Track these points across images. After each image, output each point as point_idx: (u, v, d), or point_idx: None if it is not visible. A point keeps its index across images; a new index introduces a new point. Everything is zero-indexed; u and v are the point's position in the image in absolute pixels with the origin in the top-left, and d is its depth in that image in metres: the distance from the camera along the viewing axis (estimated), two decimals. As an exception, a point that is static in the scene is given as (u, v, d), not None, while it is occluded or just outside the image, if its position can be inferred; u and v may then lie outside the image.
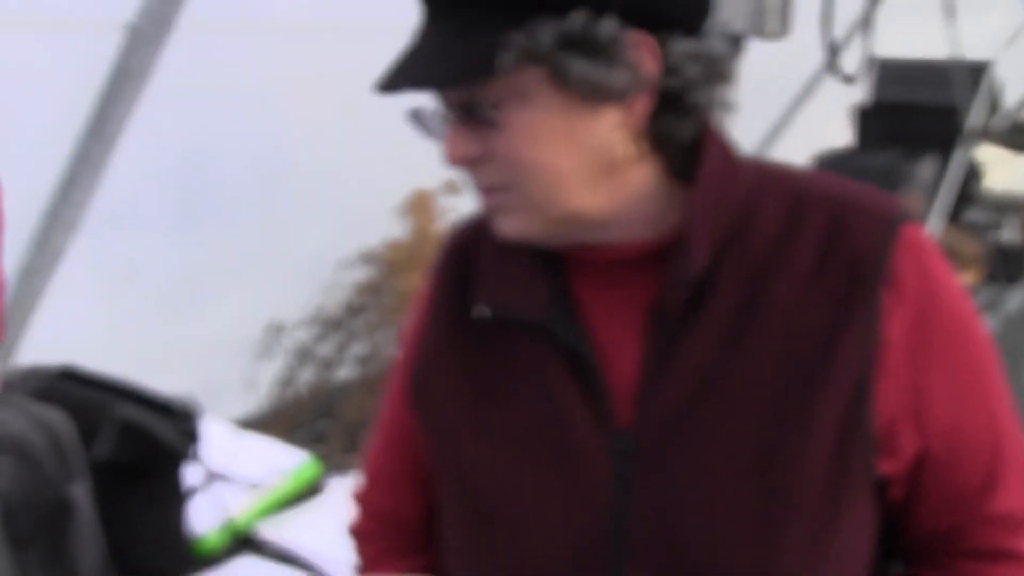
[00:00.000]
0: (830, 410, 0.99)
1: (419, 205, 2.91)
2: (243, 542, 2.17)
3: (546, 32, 0.94)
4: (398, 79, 0.98)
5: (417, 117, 1.06)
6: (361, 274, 2.91)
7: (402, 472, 1.25)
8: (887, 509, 1.07)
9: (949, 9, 4.50)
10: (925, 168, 4.71)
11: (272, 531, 2.19)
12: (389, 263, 2.89)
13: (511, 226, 1.04)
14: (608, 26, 0.94)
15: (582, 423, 1.05)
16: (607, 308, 1.08)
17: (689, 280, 1.01)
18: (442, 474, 1.16)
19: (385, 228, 2.94)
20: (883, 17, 5.30)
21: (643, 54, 0.97)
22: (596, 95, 0.96)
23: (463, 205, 2.90)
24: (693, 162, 1.04)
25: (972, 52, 5.03)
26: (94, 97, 2.38)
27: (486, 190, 1.04)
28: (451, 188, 2.90)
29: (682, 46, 0.99)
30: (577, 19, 0.94)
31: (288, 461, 2.35)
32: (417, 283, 2.75)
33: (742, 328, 1.02)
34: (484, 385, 1.12)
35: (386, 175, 3.32)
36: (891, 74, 5.28)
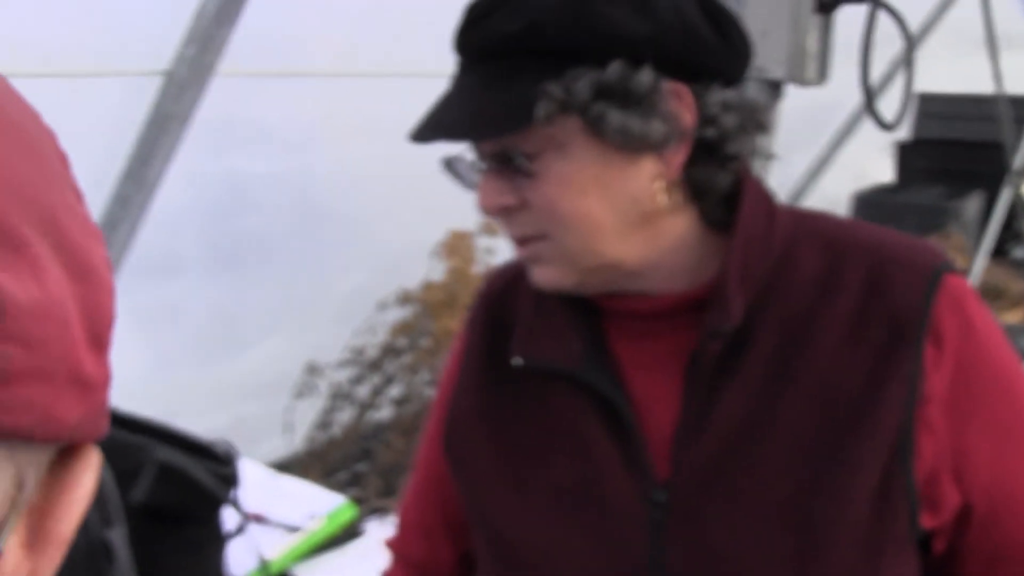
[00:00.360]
0: (870, 464, 0.97)
1: (456, 246, 2.90)
2: (279, 586, 2.16)
3: (583, 83, 0.93)
4: (433, 129, 0.97)
5: (451, 166, 1.06)
6: (398, 315, 2.90)
7: (436, 521, 1.24)
8: (930, 563, 1.04)
9: (993, 45, 4.46)
10: (970, 205, 4.65)
11: (308, 575, 2.18)
12: (426, 304, 2.88)
13: (546, 276, 1.03)
14: (645, 77, 0.94)
15: (618, 475, 1.03)
16: (643, 359, 1.06)
17: (726, 331, 0.99)
18: (476, 524, 1.15)
19: (422, 269, 2.94)
20: (925, 55, 5.27)
21: (680, 105, 0.96)
22: (633, 145, 0.95)
23: (501, 246, 2.90)
24: (730, 211, 1.03)
25: (1016, 88, 4.97)
26: (133, 143, 2.41)
27: (521, 240, 1.03)
28: (489, 229, 2.90)
29: (719, 96, 0.98)
30: (614, 70, 0.93)
31: (324, 504, 2.34)
32: (454, 325, 2.75)
33: (779, 380, 1.00)
34: (518, 435, 1.11)
35: (424, 216, 3.33)
36: (932, 110, 5.24)
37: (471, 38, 0.98)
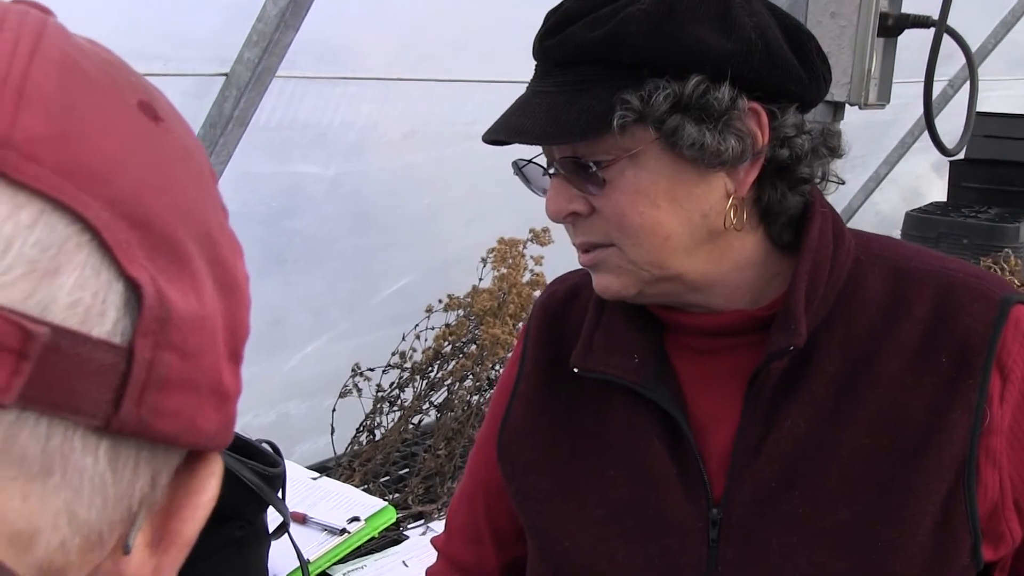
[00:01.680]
0: (933, 493, 0.96)
1: (505, 254, 2.90)
2: (319, 587, 2.17)
3: (661, 95, 0.94)
4: (508, 132, 0.98)
5: (521, 169, 1.07)
6: (445, 321, 2.91)
7: (483, 526, 1.25)
8: None
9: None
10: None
11: (348, 577, 2.19)
12: (474, 311, 2.88)
13: (608, 284, 1.04)
14: (723, 93, 0.94)
15: (675, 492, 1.04)
16: (704, 376, 1.07)
17: (791, 352, 0.99)
18: (530, 532, 1.15)
19: (471, 275, 2.94)
20: (982, 75, 5.19)
21: (755, 124, 0.97)
22: (706, 161, 0.96)
23: (550, 254, 2.90)
24: (798, 233, 1.03)
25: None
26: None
27: (586, 247, 1.04)
28: (538, 238, 2.89)
29: (794, 118, 0.98)
30: (694, 84, 0.94)
31: (366, 507, 2.34)
32: (501, 332, 2.74)
33: (842, 403, 1.00)
34: (574, 446, 1.11)
35: (473, 223, 3.33)
36: (987, 129, 5.16)
37: (551, 44, 0.98)
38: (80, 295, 0.35)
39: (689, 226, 0.99)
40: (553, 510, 1.11)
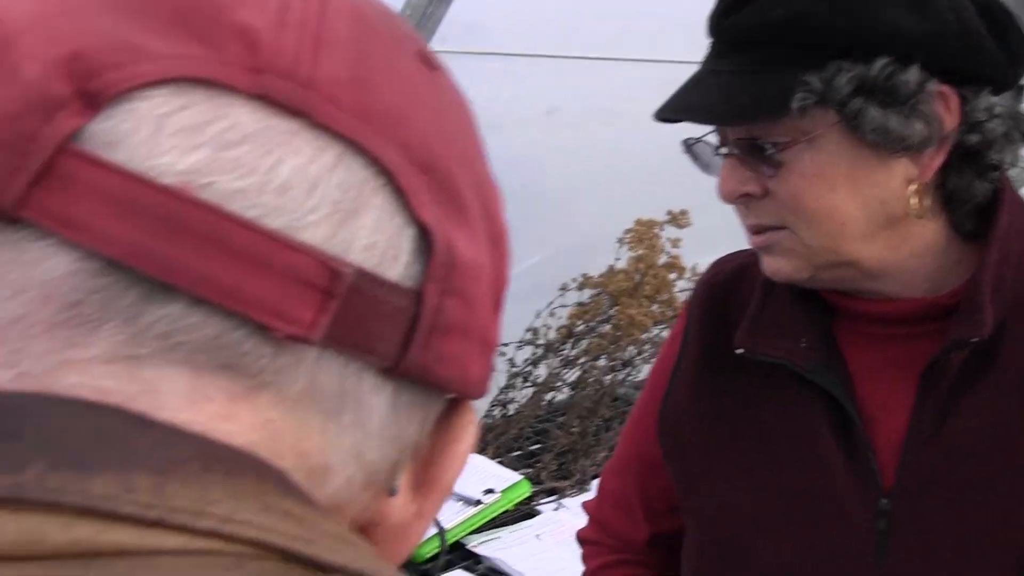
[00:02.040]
0: None
1: (642, 235, 2.89)
2: (454, 554, 2.20)
3: (844, 77, 0.91)
4: (682, 110, 0.97)
5: (692, 148, 1.06)
6: (580, 299, 2.91)
7: (634, 497, 1.25)
8: None
9: None
10: None
11: (482, 547, 2.22)
12: (608, 291, 2.88)
13: (779, 267, 1.02)
14: (912, 77, 0.91)
15: (845, 481, 1.02)
16: (874, 363, 1.04)
17: (973, 344, 0.96)
18: (688, 512, 1.15)
19: (606, 255, 2.94)
20: None
21: (944, 108, 0.93)
22: (889, 146, 0.93)
23: (687, 237, 2.87)
24: (981, 221, 1.00)
25: None
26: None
27: (757, 229, 1.02)
28: (676, 220, 2.87)
29: (987, 102, 0.95)
30: (880, 67, 0.91)
31: (501, 480, 2.37)
32: (636, 314, 2.74)
33: None
34: (735, 429, 1.10)
35: (611, 203, 3.33)
36: None
37: (729, 23, 0.96)
38: (376, 238, 0.36)
39: (867, 211, 0.96)
40: (713, 492, 1.10)
